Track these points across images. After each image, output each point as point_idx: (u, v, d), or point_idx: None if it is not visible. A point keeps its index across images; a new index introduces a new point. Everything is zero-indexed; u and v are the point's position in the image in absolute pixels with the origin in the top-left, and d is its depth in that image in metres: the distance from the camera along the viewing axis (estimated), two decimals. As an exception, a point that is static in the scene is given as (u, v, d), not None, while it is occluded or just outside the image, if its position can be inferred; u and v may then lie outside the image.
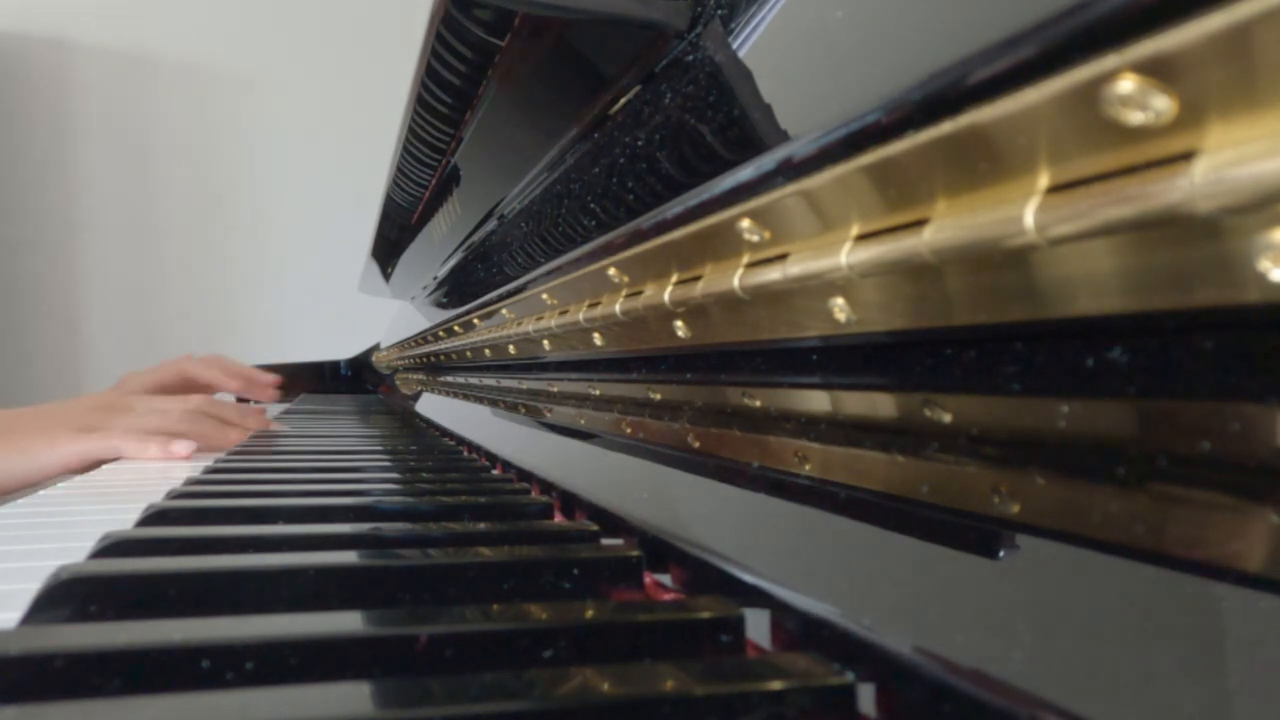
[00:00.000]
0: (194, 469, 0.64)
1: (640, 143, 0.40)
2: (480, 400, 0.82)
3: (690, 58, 0.37)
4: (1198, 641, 0.14)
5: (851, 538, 0.24)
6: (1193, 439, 0.15)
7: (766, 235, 0.25)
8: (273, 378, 1.23)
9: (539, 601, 0.26)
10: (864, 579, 0.23)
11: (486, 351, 0.71)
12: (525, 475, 0.54)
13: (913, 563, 0.21)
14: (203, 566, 0.28)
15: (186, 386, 1.08)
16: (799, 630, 0.23)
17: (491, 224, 0.75)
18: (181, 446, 0.78)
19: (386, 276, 1.40)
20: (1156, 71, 0.13)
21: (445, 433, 0.88)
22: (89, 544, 0.33)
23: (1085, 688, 0.15)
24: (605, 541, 0.35)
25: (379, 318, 1.89)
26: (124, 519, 0.41)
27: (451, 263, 0.95)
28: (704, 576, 0.29)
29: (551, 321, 0.47)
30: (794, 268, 0.24)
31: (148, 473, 0.72)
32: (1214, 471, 0.15)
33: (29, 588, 0.27)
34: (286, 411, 1.28)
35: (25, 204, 1.93)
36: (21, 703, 0.19)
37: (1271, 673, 0.13)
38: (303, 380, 1.80)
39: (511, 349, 0.62)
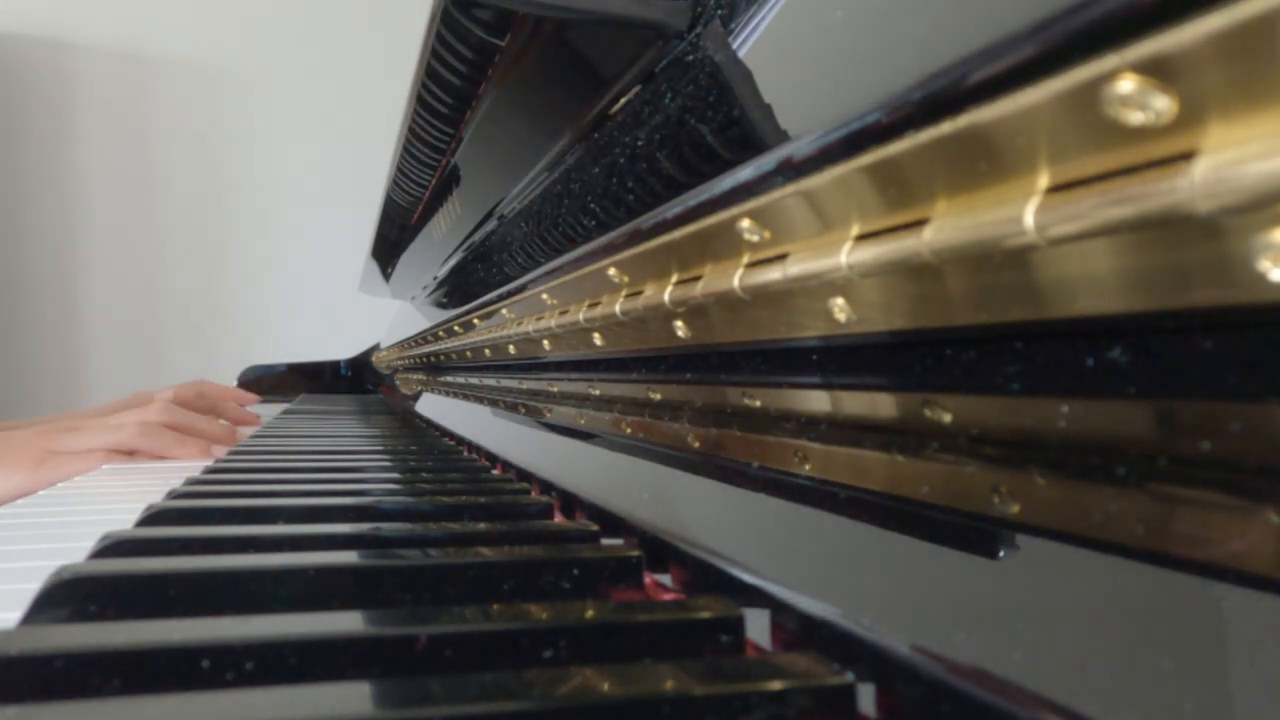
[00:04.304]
0: (196, 469, 0.64)
1: (640, 143, 0.40)
2: (480, 400, 0.82)
3: (690, 58, 0.37)
4: (1198, 641, 0.14)
5: (851, 538, 0.24)
6: (1193, 439, 0.15)
7: (766, 235, 0.25)
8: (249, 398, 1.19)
9: (539, 601, 0.26)
10: (864, 579, 0.23)
11: (486, 351, 0.71)
12: (525, 475, 0.54)
13: (913, 563, 0.21)
14: (203, 566, 0.28)
15: (203, 405, 1.06)
16: (799, 630, 0.23)
17: (491, 224, 0.75)
18: (188, 451, 0.79)
19: (386, 276, 1.40)
20: (1156, 71, 0.13)
21: (445, 433, 0.88)
22: (89, 544, 0.33)
23: (1085, 687, 0.15)
24: (605, 541, 0.35)
25: (379, 318, 1.89)
26: (124, 519, 0.41)
27: (451, 263, 0.95)
28: (704, 576, 0.29)
29: (551, 321, 0.47)
30: (794, 268, 0.24)
31: (148, 473, 0.72)
32: (1214, 471, 0.15)
33: (29, 588, 0.27)
34: (286, 411, 1.28)
35: (25, 204, 1.93)
36: (21, 703, 0.19)
37: (1271, 673, 0.13)
38: (303, 380, 1.80)
39: (511, 349, 0.62)
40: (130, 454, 0.81)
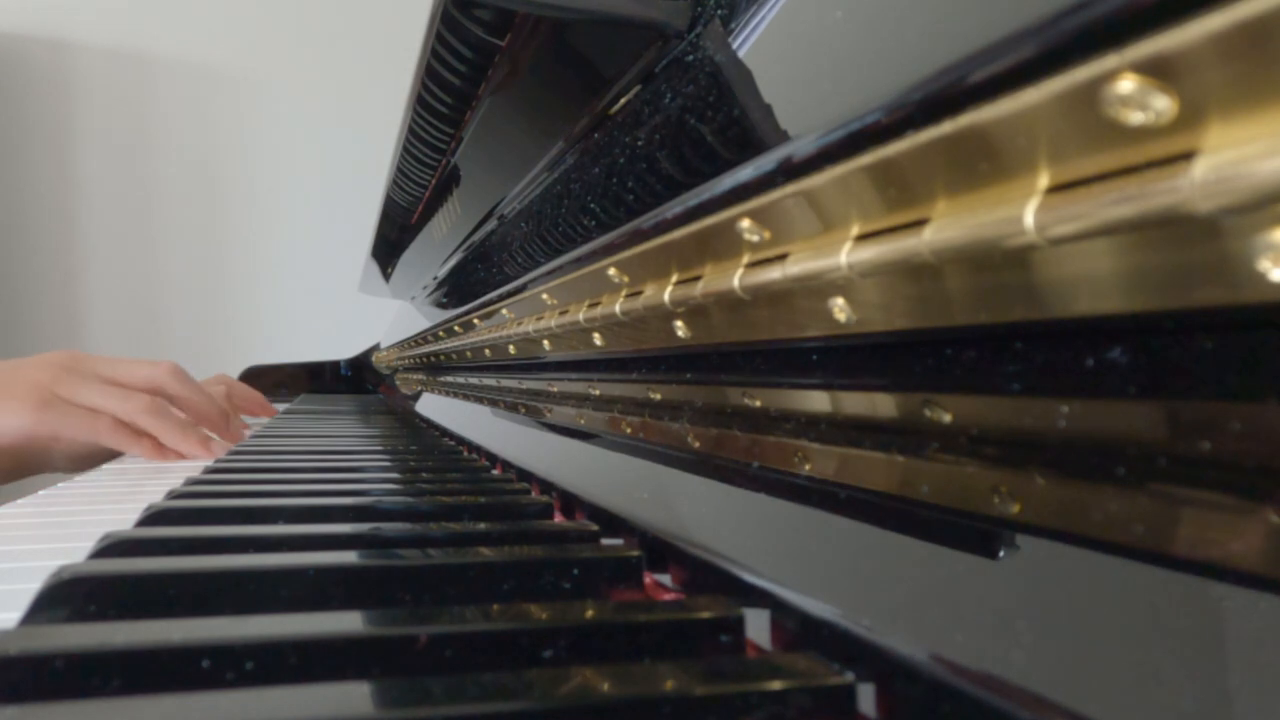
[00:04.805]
0: (196, 468, 0.64)
1: (640, 143, 0.40)
2: (480, 400, 0.82)
3: (690, 58, 0.37)
4: (1198, 641, 0.14)
5: (851, 538, 0.24)
6: (1193, 439, 0.15)
7: (766, 235, 0.25)
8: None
9: (539, 601, 0.26)
10: (864, 579, 0.23)
11: (486, 351, 0.71)
12: (525, 475, 0.54)
13: (913, 563, 0.21)
14: (203, 566, 0.28)
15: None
16: (799, 630, 0.23)
17: (491, 224, 0.75)
18: (189, 445, 0.77)
19: (386, 276, 1.40)
20: (1156, 71, 0.13)
21: (445, 433, 0.88)
22: (89, 544, 0.33)
23: (1085, 688, 0.15)
24: (605, 541, 0.35)
25: (379, 318, 1.89)
26: (124, 519, 0.41)
27: (451, 263, 0.95)
28: (704, 576, 0.29)
29: (551, 321, 0.47)
30: (794, 268, 0.24)
31: (148, 473, 0.72)
32: (1214, 471, 0.15)
33: (29, 588, 0.27)
34: (287, 411, 1.28)
35: (25, 204, 1.93)
36: (21, 703, 0.19)
37: (1271, 673, 0.13)
38: (303, 380, 1.80)
39: (511, 349, 0.62)
40: (135, 433, 0.78)
